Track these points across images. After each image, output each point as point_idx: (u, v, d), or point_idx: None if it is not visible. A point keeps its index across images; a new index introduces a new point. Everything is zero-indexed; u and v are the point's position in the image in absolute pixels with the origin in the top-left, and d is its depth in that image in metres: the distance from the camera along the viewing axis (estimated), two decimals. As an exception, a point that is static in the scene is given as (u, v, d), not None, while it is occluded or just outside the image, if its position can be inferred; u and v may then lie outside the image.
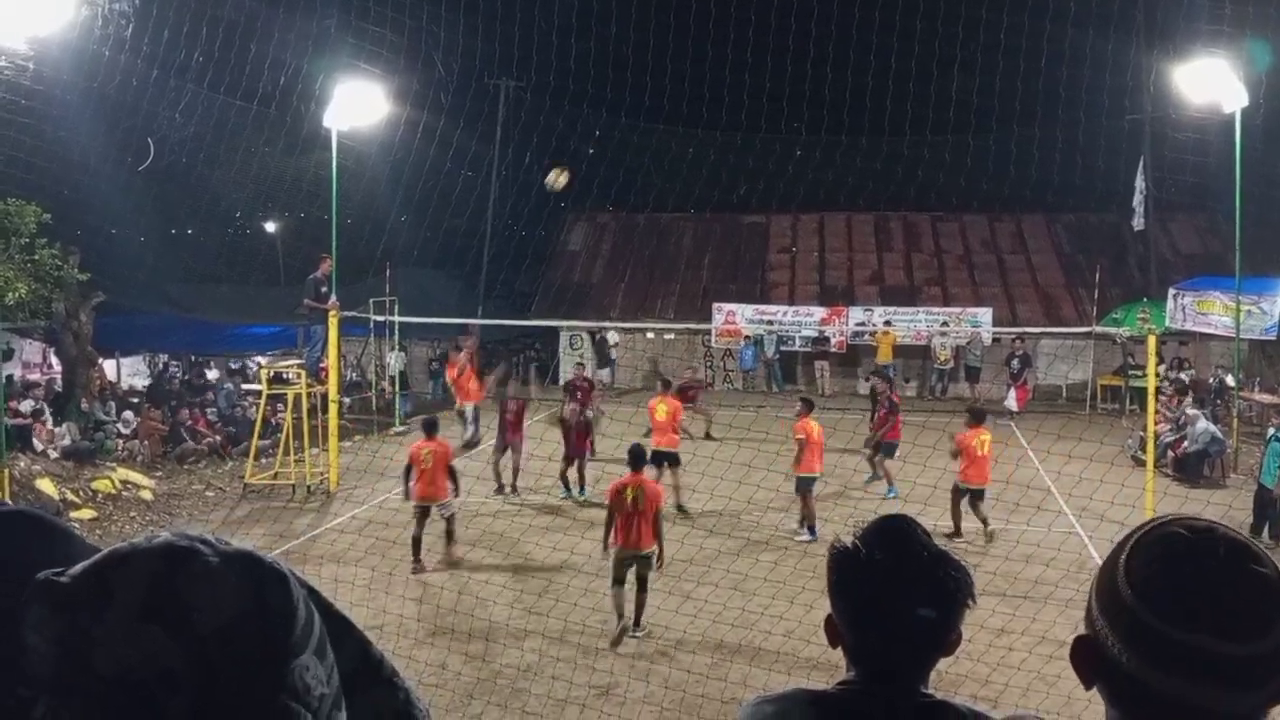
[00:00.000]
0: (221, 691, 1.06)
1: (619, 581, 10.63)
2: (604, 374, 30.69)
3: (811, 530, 14.11)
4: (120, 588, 1.06)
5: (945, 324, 30.68)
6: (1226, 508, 14.11)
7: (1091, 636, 1.34)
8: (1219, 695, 1.23)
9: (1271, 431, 14.62)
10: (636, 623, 10.74)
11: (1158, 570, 1.27)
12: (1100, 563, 1.40)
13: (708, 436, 20.73)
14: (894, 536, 1.89)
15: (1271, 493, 14.31)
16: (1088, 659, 1.35)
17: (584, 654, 10.07)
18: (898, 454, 16.20)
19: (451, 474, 13.20)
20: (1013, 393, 26.65)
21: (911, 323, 31.19)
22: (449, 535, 13.13)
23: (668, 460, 15.35)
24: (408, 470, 13.16)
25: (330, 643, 1.21)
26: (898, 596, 1.83)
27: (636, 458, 11.22)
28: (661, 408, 16.05)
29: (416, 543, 12.84)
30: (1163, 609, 1.24)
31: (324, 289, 18.78)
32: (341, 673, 1.21)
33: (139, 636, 1.03)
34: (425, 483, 12.97)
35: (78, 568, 1.10)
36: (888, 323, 30.76)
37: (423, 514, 12.95)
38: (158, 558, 1.09)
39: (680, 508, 14.94)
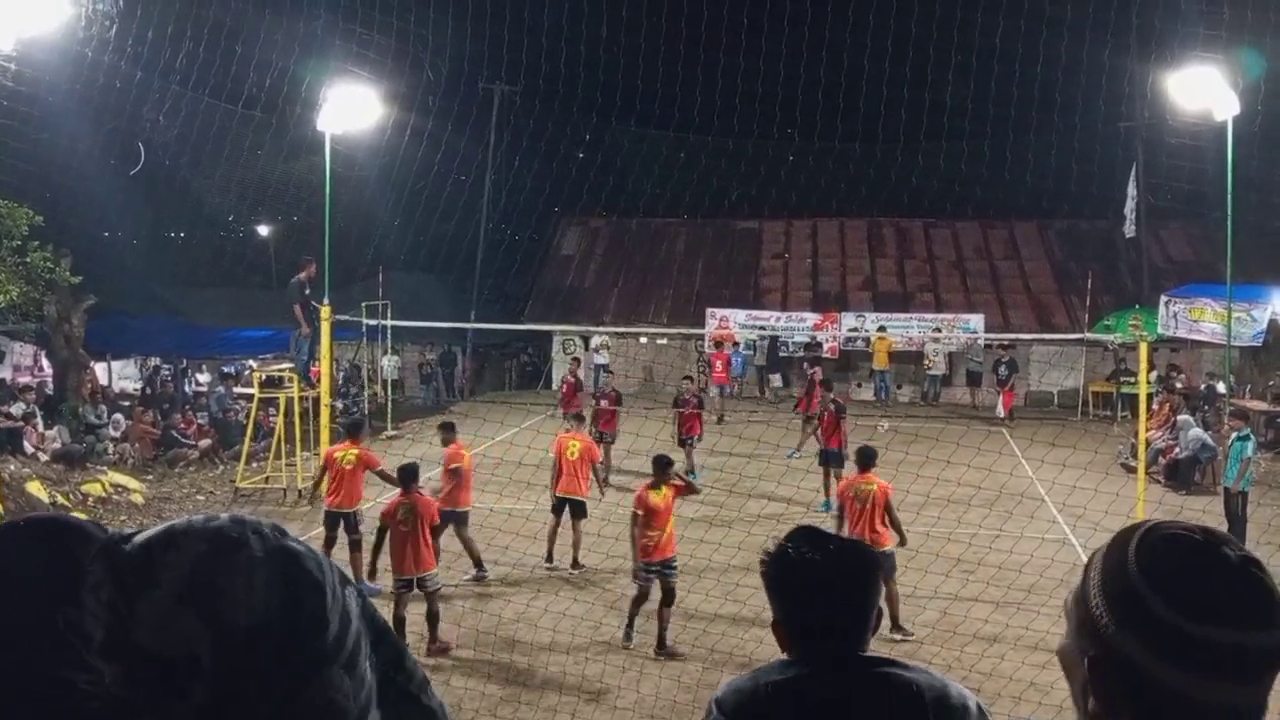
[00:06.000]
0: (243, 687, 1.10)
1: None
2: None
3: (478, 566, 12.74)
4: (166, 568, 1.11)
5: (938, 330, 30.73)
6: (1220, 515, 14.12)
7: (1100, 656, 1.33)
8: (1227, 687, 1.27)
9: (1234, 435, 14.80)
10: (660, 644, 10.45)
11: (1175, 567, 1.30)
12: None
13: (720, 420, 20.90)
14: (811, 535, 2.30)
15: (1230, 491, 14.52)
16: (1105, 673, 1.33)
17: (574, 660, 10.03)
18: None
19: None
20: (1000, 398, 26.72)
21: (904, 329, 31.21)
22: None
23: (571, 509, 13.42)
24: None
25: (370, 647, 1.23)
26: (829, 580, 2.21)
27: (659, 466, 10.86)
28: (574, 446, 13.69)
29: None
30: (1184, 603, 1.27)
31: (308, 292, 18.73)
32: (375, 679, 1.23)
33: (175, 619, 1.09)
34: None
35: (141, 537, 1.15)
36: (882, 329, 30.76)
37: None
38: (206, 543, 1.13)
39: (576, 562, 13.30)
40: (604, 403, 18.12)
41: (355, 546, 12.31)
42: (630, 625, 10.64)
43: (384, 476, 12.54)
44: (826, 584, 2.21)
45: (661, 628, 10.44)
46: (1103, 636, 1.32)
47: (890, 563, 10.45)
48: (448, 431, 13.14)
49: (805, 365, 28.09)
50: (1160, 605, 1.28)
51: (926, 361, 30.82)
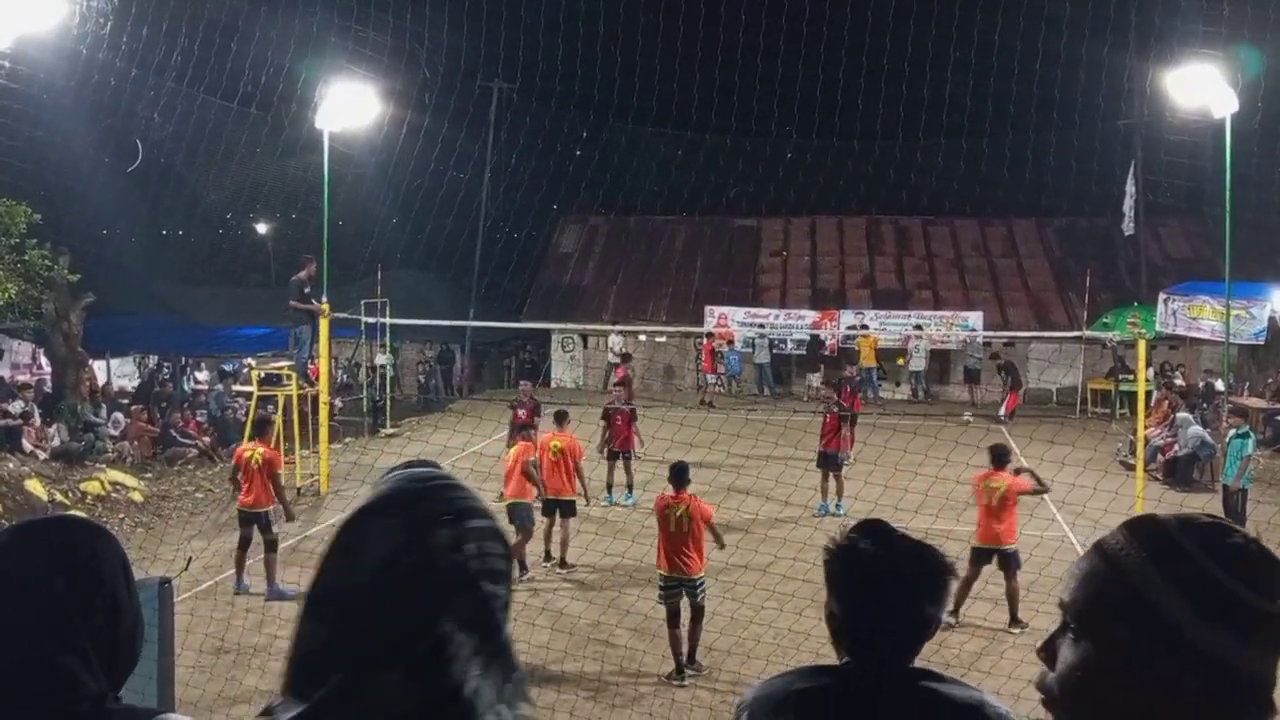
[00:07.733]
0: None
1: (673, 616, 9.83)
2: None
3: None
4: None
5: (919, 326, 30.66)
6: (1219, 513, 14.10)
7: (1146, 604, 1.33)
8: (1253, 652, 1.29)
9: (1232, 432, 14.81)
10: (690, 658, 9.89)
11: (1205, 531, 1.34)
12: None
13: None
14: (878, 530, 2.23)
15: (1230, 489, 14.54)
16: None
17: (573, 659, 10.02)
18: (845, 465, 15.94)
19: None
20: (1004, 399, 26.76)
21: (903, 326, 31.16)
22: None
23: (560, 509, 13.31)
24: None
25: None
26: (888, 580, 2.15)
27: (679, 474, 10.06)
28: (555, 445, 13.41)
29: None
30: (1220, 557, 1.29)
31: (308, 290, 18.73)
32: None
33: None
34: None
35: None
36: (864, 326, 30.67)
37: None
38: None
39: (563, 561, 13.21)
40: (521, 412, 16.61)
41: (270, 547, 12.03)
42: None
43: (276, 488, 12.34)
44: (883, 586, 2.13)
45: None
46: (1135, 590, 1.32)
47: (1014, 560, 11.06)
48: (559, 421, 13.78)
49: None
50: (1200, 555, 1.30)
51: (900, 360, 30.76)
